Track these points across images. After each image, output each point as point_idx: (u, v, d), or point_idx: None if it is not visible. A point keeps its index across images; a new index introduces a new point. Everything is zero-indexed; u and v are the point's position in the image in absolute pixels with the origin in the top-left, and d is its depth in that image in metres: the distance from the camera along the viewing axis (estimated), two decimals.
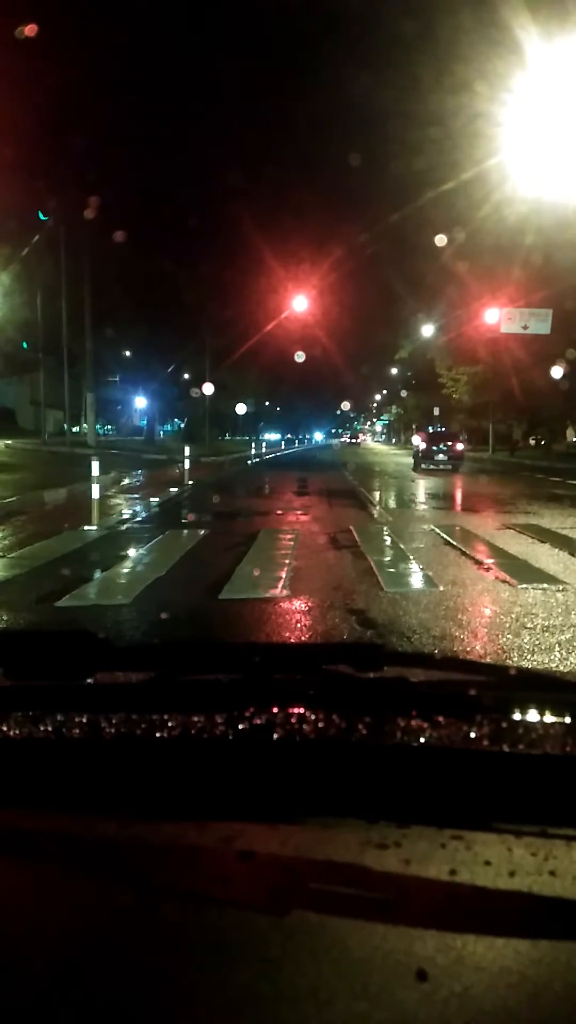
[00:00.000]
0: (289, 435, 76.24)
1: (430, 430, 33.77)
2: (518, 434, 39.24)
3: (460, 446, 28.01)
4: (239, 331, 39.22)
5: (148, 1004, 0.56)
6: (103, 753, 0.88)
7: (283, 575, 6.52)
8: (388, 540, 8.90)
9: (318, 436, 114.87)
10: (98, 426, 39.93)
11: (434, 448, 27.37)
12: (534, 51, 13.86)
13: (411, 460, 29.04)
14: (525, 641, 4.59)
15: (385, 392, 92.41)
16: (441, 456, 26.98)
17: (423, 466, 26.69)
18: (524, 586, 6.15)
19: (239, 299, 41.03)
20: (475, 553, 7.86)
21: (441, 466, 26.56)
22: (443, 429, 37.63)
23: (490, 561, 7.35)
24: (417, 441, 29.85)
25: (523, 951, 0.59)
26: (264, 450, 46.01)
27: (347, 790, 0.81)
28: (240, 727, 0.87)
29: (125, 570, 7.05)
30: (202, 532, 9.46)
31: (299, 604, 5.60)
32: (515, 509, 12.88)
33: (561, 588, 6.11)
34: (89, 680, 1.06)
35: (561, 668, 4.12)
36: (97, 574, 6.82)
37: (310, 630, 4.95)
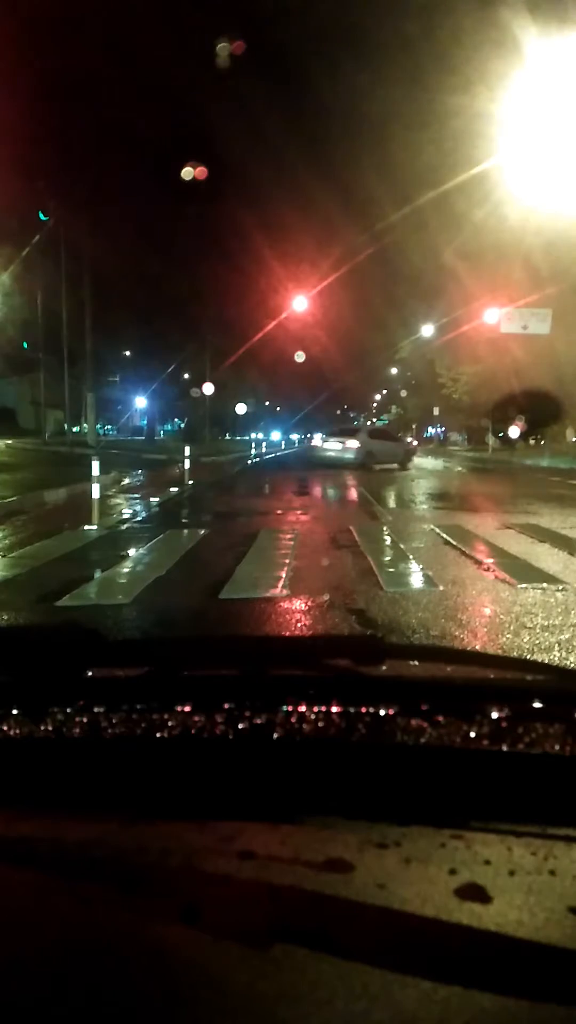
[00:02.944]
0: (280, 434, 75.89)
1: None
2: (517, 430, 39.55)
3: (413, 442, 40.85)
4: (239, 331, 39.27)
5: (148, 1004, 0.56)
6: (102, 752, 0.88)
7: (283, 575, 6.51)
8: (388, 540, 8.90)
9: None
10: (99, 426, 39.94)
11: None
12: (533, 51, 13.87)
13: None
14: (525, 640, 4.59)
15: (385, 392, 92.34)
16: None
17: None
18: (524, 586, 6.14)
19: (239, 299, 41.11)
20: (475, 553, 7.86)
21: None
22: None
23: (490, 561, 7.35)
24: None
25: (523, 950, 0.59)
26: (264, 450, 46.17)
27: (347, 790, 0.81)
28: (240, 726, 0.87)
29: (125, 570, 7.05)
30: (202, 532, 9.46)
31: (299, 604, 5.60)
32: (515, 509, 12.88)
33: (561, 588, 6.10)
34: (84, 677, 1.06)
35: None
36: (97, 574, 6.81)
37: (310, 629, 4.95)
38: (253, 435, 52.19)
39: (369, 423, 48.21)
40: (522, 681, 1.14)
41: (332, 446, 25.22)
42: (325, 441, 26.51)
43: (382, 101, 25.60)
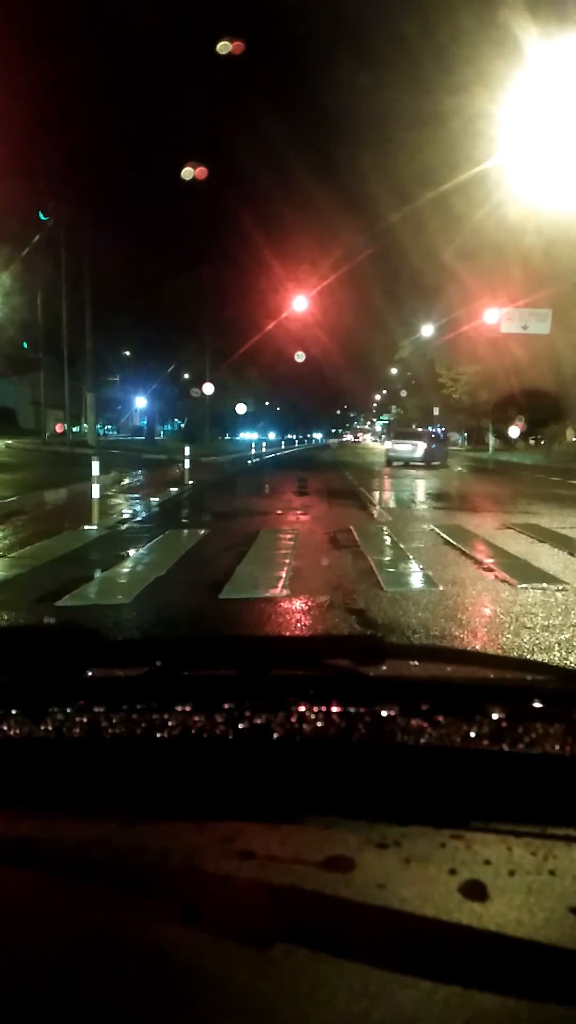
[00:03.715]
0: (274, 434, 75.72)
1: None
2: (517, 430, 39.49)
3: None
4: (239, 331, 39.29)
5: (149, 1004, 0.56)
6: (102, 752, 0.87)
7: (283, 575, 6.51)
8: (388, 540, 8.90)
9: (317, 435, 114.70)
10: (98, 426, 39.95)
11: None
12: (533, 51, 13.87)
13: None
14: (525, 640, 4.59)
15: (385, 392, 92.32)
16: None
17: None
18: (524, 586, 6.14)
19: (239, 299, 41.09)
20: (475, 553, 7.86)
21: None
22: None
23: (490, 561, 7.35)
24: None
25: (523, 950, 0.59)
26: (264, 449, 46.17)
27: (347, 790, 0.81)
28: (240, 726, 0.87)
29: (125, 570, 7.05)
30: (202, 532, 9.46)
31: (299, 604, 5.60)
32: (515, 509, 12.88)
33: (561, 588, 6.11)
34: (84, 677, 1.06)
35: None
36: (97, 574, 6.81)
37: (310, 629, 4.95)
38: (243, 434, 52.24)
39: (369, 423, 48.22)
40: (522, 681, 1.14)
41: (404, 447, 30.37)
42: (395, 443, 31.68)
43: (382, 101, 25.61)
